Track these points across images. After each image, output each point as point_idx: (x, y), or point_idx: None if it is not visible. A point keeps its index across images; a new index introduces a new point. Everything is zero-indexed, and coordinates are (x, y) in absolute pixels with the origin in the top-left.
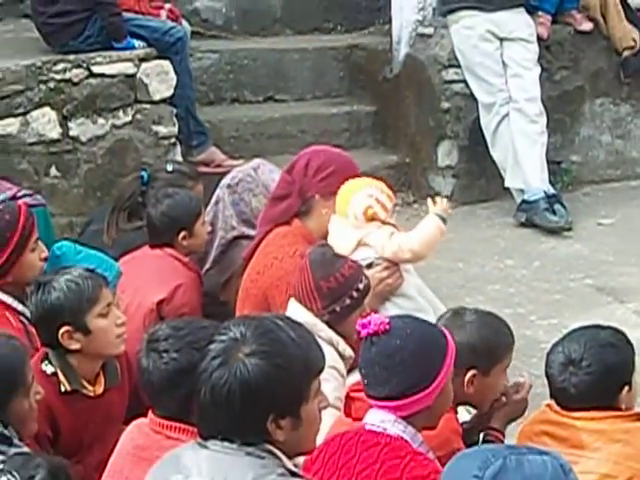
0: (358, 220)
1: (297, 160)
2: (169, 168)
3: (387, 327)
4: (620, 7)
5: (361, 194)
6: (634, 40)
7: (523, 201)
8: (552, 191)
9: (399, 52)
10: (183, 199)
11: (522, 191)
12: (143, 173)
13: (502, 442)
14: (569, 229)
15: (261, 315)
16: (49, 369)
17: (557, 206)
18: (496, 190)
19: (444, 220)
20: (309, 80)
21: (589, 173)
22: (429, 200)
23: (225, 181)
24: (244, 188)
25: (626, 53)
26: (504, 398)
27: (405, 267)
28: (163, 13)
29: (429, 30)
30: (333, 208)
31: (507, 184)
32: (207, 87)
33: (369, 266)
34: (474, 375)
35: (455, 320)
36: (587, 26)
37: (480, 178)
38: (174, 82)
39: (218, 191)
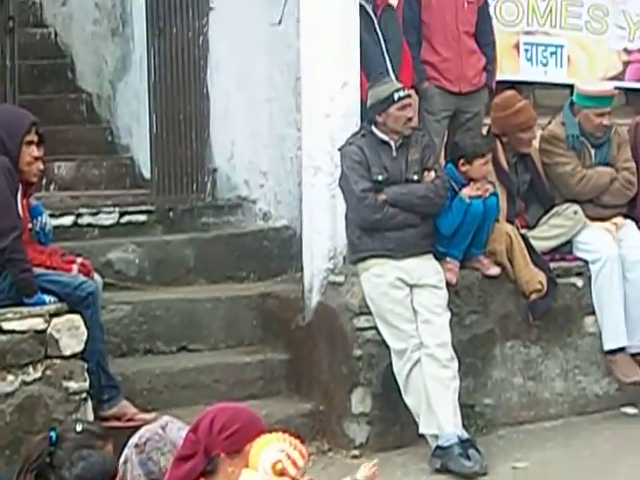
0: (267, 474)
1: (202, 418)
2: (78, 428)
3: None
4: (526, 251)
5: (272, 448)
6: (541, 283)
7: (437, 447)
8: (466, 435)
9: (311, 300)
10: (98, 460)
11: (437, 437)
12: (52, 433)
13: None
14: (484, 474)
15: None
16: None
17: (471, 451)
18: (411, 436)
19: None
20: (222, 329)
21: (503, 416)
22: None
23: (133, 440)
24: (152, 447)
25: (534, 296)
26: None
27: None
28: (75, 267)
29: (340, 278)
30: (239, 466)
31: (421, 430)
32: (120, 339)
33: None
34: None
35: None
36: (494, 271)
37: (395, 425)
38: (85, 336)
39: (126, 450)
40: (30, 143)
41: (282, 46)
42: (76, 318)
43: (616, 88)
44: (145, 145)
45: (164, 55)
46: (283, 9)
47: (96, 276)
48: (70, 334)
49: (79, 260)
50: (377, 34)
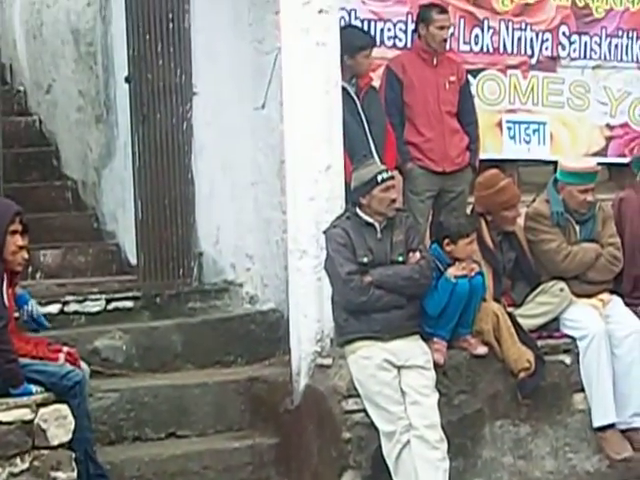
0: None
1: None
2: None
3: None
4: (513, 330)
5: None
6: (529, 361)
7: None
8: None
9: (299, 383)
10: None
11: None
12: None
13: None
14: None
15: None
16: None
17: None
18: None
19: None
20: (210, 414)
21: None
22: None
23: None
24: None
25: (522, 375)
26: None
27: None
28: (61, 357)
29: (328, 361)
30: None
31: None
32: (108, 427)
33: None
34: None
35: None
36: (482, 350)
37: None
38: (72, 426)
39: None
40: (14, 232)
41: (266, 130)
42: (63, 408)
43: (599, 164)
44: (131, 231)
45: (148, 141)
46: (266, 93)
47: (83, 364)
48: (57, 424)
49: (65, 349)
50: (360, 116)
